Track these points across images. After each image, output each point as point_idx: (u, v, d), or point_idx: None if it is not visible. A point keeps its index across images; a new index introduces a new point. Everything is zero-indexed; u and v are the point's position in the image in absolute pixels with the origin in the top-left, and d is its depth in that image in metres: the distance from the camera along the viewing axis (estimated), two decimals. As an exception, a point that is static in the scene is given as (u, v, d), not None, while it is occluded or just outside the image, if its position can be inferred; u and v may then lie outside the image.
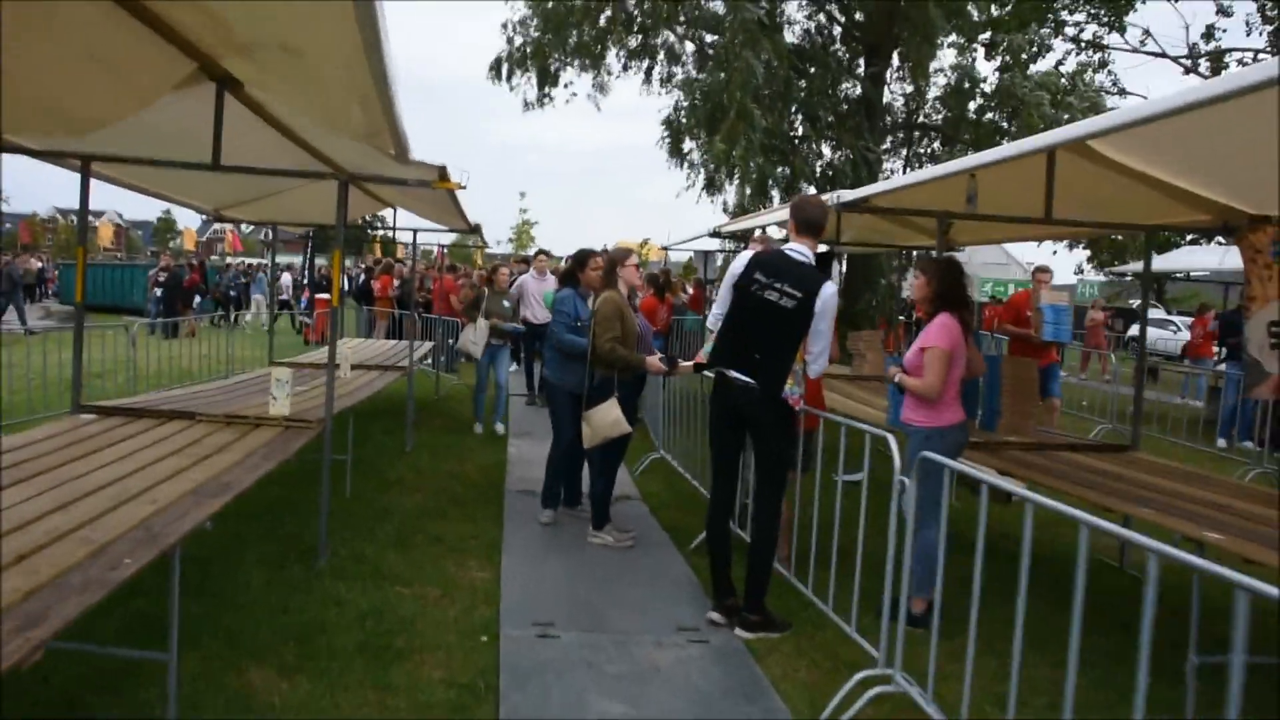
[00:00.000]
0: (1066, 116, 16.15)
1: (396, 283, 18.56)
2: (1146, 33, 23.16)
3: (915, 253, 11.86)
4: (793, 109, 16.15)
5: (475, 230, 9.42)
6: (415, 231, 9.90)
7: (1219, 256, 17.97)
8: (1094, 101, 17.77)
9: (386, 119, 4.28)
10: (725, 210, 18.77)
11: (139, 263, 35.73)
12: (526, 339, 12.39)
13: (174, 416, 5.61)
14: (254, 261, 41.44)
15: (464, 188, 5.33)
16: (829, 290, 4.75)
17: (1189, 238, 21.39)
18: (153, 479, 4.03)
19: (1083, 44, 25.29)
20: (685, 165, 19.46)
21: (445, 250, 31.28)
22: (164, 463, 4.37)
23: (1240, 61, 29.64)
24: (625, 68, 18.44)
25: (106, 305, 26.91)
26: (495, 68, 18.42)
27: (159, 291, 21.97)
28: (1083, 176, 5.72)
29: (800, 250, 4.85)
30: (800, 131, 16.94)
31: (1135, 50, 24.09)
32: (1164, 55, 23.46)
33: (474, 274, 20.12)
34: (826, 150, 17.08)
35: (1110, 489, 5.13)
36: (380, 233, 44.59)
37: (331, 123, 4.95)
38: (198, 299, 23.05)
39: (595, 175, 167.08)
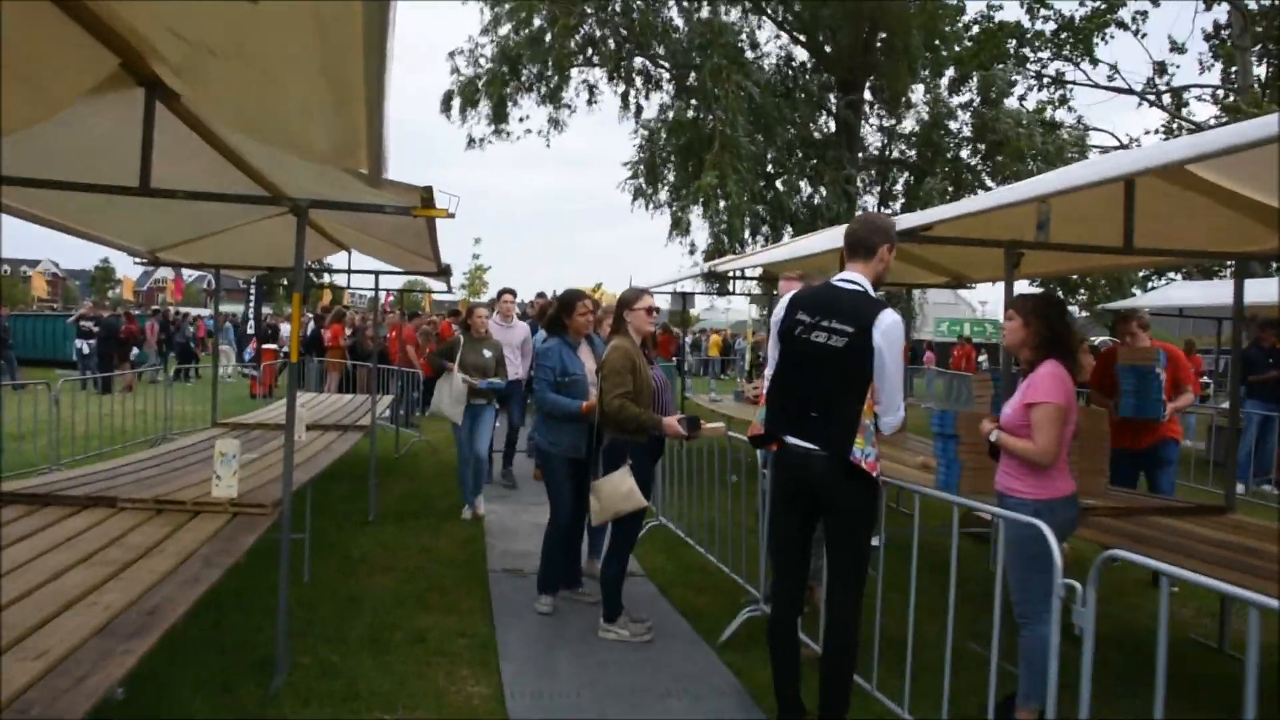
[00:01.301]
0: (1071, 154, 15.65)
1: (348, 331, 17.44)
2: (1114, 68, 23.09)
3: (916, 291, 11.06)
4: (775, 141, 15.43)
5: (445, 273, 8.43)
6: (377, 275, 8.86)
7: (1202, 291, 17.54)
8: (1078, 137, 17.37)
9: (369, 131, 3.34)
10: (693, 252, 18.00)
11: (73, 313, 34.03)
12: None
13: (91, 503, 4.52)
14: (201, 312, 39.82)
15: (452, 216, 4.38)
16: (888, 319, 3.81)
17: (1172, 274, 21.06)
18: (49, 607, 2.97)
19: (1045, 80, 25.22)
20: (650, 206, 18.70)
21: (392, 297, 30.05)
22: (69, 577, 3.31)
23: (1198, 98, 29.76)
24: (591, 100, 17.63)
25: (36, 359, 25.32)
26: (446, 101, 17.50)
27: (86, 343, 20.53)
28: (1156, 200, 4.97)
29: (851, 279, 3.96)
30: (777, 166, 16.22)
31: (1099, 86, 24.02)
32: (1130, 91, 23.37)
33: (431, 320, 19.03)
34: (805, 185, 16.38)
35: (1241, 564, 4.27)
36: (328, 279, 43.23)
37: (290, 140, 4.00)
38: (135, 350, 21.61)
39: (545, 221, 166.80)
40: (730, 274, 9.53)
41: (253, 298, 24.97)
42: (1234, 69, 23.91)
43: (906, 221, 5.00)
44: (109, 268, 72.64)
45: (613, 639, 5.38)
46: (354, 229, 7.90)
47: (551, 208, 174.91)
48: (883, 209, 18.42)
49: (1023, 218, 5.01)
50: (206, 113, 4.07)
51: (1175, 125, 24.74)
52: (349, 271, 9.32)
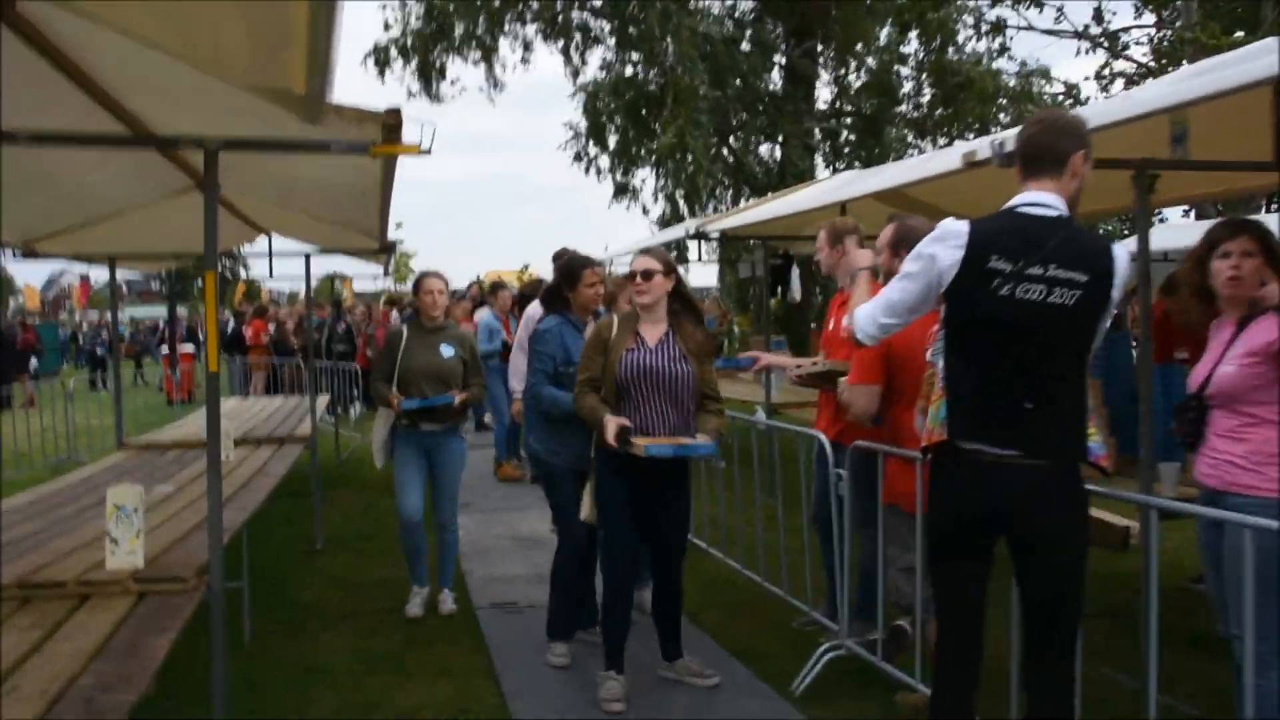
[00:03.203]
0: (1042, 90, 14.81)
1: (272, 326, 15.93)
2: (1060, 10, 22.36)
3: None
4: (726, 94, 14.18)
5: (388, 249, 7.08)
6: (308, 257, 7.43)
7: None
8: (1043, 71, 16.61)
9: (312, 24, 2.11)
10: (646, 213, 16.79)
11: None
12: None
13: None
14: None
15: (428, 152, 3.12)
16: (1124, 259, 2.76)
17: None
18: None
19: (984, 28, 24.48)
20: (592, 171, 17.41)
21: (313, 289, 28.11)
22: None
23: (1136, 41, 29.45)
24: (524, 58, 16.12)
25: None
26: (378, 59, 15.83)
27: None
28: None
29: (1044, 203, 2.82)
30: (733, 121, 15.06)
31: (1047, 31, 23.30)
32: (1076, 34, 22.69)
33: (375, 310, 17.56)
34: (761, 142, 15.26)
35: None
36: (244, 272, 40.69)
37: (186, 42, 2.70)
38: (34, 362, 19.64)
39: (464, 207, 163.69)
40: (713, 236, 8.33)
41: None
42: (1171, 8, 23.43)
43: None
44: (6, 278, 68.30)
45: (674, 679, 4.32)
46: (273, 205, 6.53)
47: (468, 193, 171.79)
48: (837, 165, 17.40)
49: (1143, 136, 3.92)
50: (62, 24, 2.76)
51: (1111, 70, 24.25)
52: (270, 255, 7.85)
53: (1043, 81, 16.42)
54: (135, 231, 6.73)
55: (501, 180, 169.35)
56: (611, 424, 3.94)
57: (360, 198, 4.94)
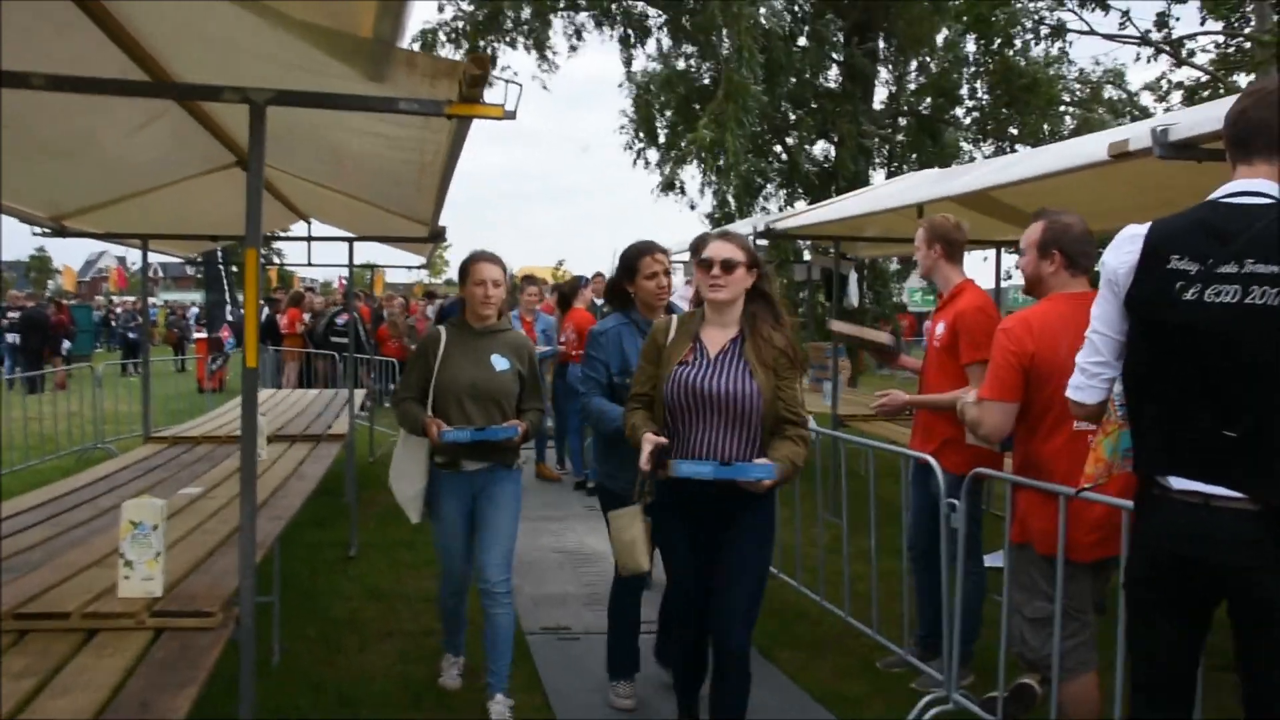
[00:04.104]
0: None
1: (307, 316, 15.53)
2: (1125, 15, 21.58)
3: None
4: (779, 90, 13.61)
5: (439, 236, 6.62)
6: (351, 241, 6.98)
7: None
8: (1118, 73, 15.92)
9: None
10: (694, 208, 16.30)
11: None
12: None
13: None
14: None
15: (512, 116, 2.63)
16: None
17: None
18: None
19: (1045, 30, 23.76)
20: (640, 163, 16.93)
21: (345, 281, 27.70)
22: None
23: (1203, 49, 28.55)
24: (574, 46, 15.57)
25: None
26: (425, 44, 15.33)
27: (12, 338, 18.36)
28: None
29: (1260, 189, 2.24)
30: (788, 119, 14.49)
31: (1110, 37, 22.52)
32: (1143, 40, 21.90)
33: (398, 302, 17.09)
34: (816, 141, 14.69)
35: None
36: (277, 260, 40.37)
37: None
38: (66, 344, 19.43)
39: (501, 200, 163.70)
40: (786, 233, 7.77)
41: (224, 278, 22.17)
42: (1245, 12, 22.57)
43: (1187, 128, 3.31)
44: (44, 256, 68.92)
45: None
46: (315, 187, 6.10)
47: (504, 186, 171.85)
48: (892, 168, 16.78)
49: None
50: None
51: (1169, 81, 23.43)
52: (309, 239, 7.42)
53: (1112, 87, 15.68)
54: (169, 210, 6.33)
55: (532, 177, 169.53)
56: (647, 443, 3.19)
57: (418, 175, 4.47)
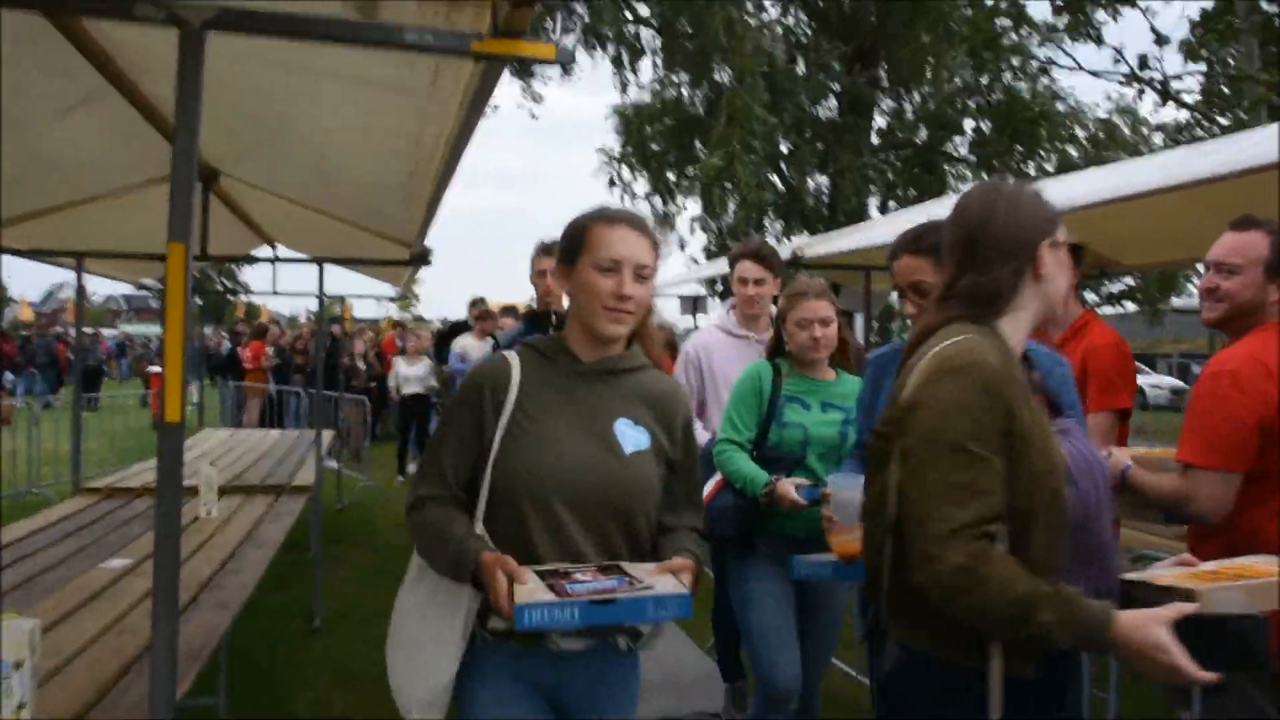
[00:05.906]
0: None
1: (271, 350, 14.57)
2: (1118, 51, 21.38)
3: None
4: (783, 119, 13.03)
5: (421, 259, 5.78)
6: (321, 263, 6.06)
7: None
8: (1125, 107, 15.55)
9: None
10: (684, 248, 15.60)
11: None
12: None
13: None
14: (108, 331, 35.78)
15: (556, 60, 1.82)
16: None
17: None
18: None
19: (1032, 67, 23.56)
20: (628, 196, 16.22)
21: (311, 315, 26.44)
22: None
23: (1186, 91, 28.51)
24: (565, 71, 14.88)
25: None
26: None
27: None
28: None
29: None
30: (790, 148, 13.88)
31: (1097, 74, 22.34)
32: (1134, 77, 21.68)
33: (369, 336, 16.19)
34: (816, 172, 14.10)
35: None
36: (242, 296, 39.05)
37: None
38: (9, 375, 18.30)
39: (477, 239, 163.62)
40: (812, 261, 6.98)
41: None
42: (1230, 53, 22.47)
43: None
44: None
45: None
46: (290, 203, 5.27)
47: (478, 227, 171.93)
48: (891, 200, 16.22)
49: None
50: None
51: (1149, 124, 23.38)
52: (274, 260, 6.60)
53: (1123, 122, 15.28)
54: (110, 226, 5.48)
55: (509, 216, 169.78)
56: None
57: (408, 179, 3.66)
